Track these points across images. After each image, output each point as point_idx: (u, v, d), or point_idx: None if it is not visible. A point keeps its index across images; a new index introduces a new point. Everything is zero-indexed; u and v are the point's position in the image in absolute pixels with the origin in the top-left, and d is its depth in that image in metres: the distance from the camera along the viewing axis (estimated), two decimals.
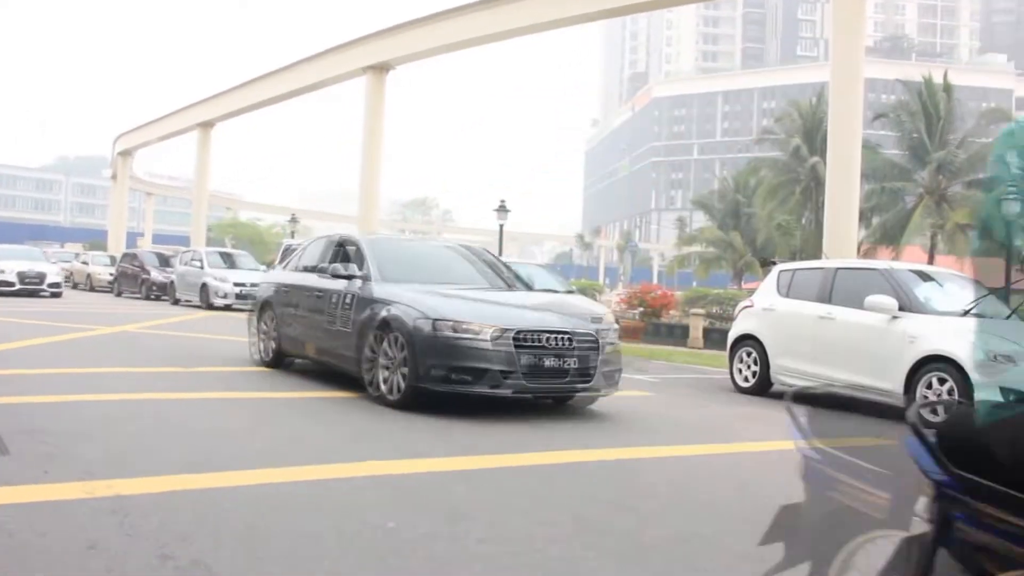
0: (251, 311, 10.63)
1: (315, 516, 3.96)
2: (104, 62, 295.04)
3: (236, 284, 22.66)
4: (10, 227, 69.85)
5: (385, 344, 7.36)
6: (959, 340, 8.21)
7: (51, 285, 24.40)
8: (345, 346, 8.08)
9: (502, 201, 29.20)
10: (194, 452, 5.21)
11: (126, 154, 57.62)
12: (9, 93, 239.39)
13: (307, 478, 4.70)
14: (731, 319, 13.10)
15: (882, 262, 12.05)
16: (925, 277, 9.93)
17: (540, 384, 7.10)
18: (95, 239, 67.46)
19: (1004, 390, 7.83)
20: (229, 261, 25.24)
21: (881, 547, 1.92)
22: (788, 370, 10.06)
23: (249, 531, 3.67)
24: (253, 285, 22.98)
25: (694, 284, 40.72)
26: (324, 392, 8.30)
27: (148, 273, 27.80)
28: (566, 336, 7.16)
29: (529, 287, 9.56)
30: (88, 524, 3.63)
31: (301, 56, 36.49)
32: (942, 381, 8.22)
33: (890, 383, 8.66)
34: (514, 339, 6.91)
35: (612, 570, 3.47)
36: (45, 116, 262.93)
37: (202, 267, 23.81)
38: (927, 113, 35.83)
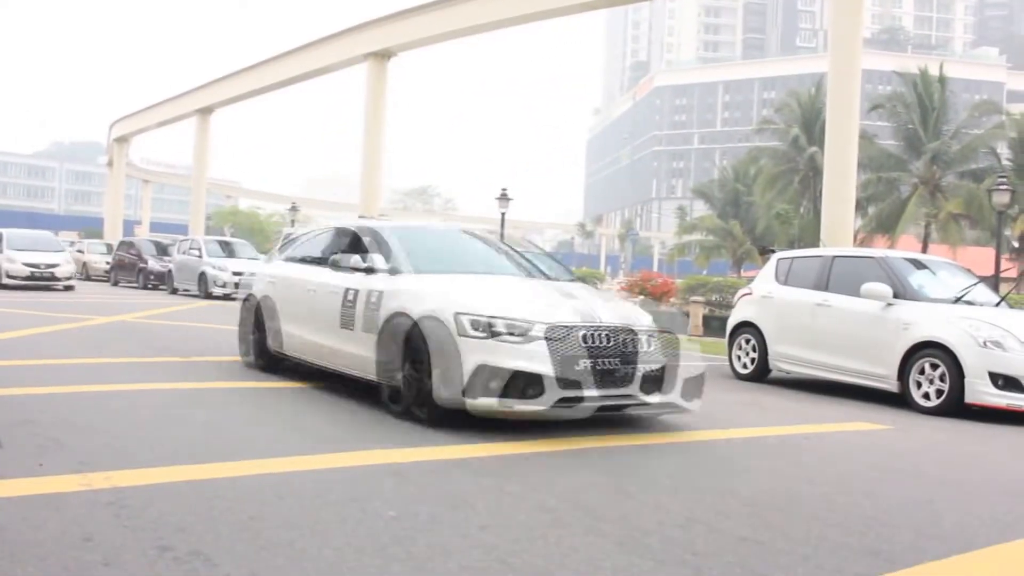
0: None
1: (316, 505, 3.95)
2: (100, 46, 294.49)
3: (235, 273, 22.39)
4: (2, 214, 68.83)
5: None
6: (951, 327, 8.36)
7: None
8: None
9: (503, 189, 29.02)
10: (192, 443, 5.20)
11: (122, 140, 57.31)
12: (2, 77, 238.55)
13: (307, 468, 4.69)
14: (730, 307, 13.12)
15: (877, 250, 12.16)
16: (919, 265, 10.09)
17: None
18: (91, 227, 67.04)
19: (993, 375, 7.98)
20: (228, 250, 25.10)
21: None
22: (786, 356, 10.16)
23: (249, 521, 3.66)
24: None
25: (704, 272, 40.69)
26: (323, 382, 8.29)
27: (145, 262, 27.64)
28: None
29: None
30: (84, 516, 3.61)
31: (302, 42, 36.36)
32: (934, 366, 8.38)
33: (885, 369, 8.81)
34: None
35: (612, 554, 3.47)
36: (40, 102, 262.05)
37: (200, 256, 23.70)
38: (922, 104, 35.95)
